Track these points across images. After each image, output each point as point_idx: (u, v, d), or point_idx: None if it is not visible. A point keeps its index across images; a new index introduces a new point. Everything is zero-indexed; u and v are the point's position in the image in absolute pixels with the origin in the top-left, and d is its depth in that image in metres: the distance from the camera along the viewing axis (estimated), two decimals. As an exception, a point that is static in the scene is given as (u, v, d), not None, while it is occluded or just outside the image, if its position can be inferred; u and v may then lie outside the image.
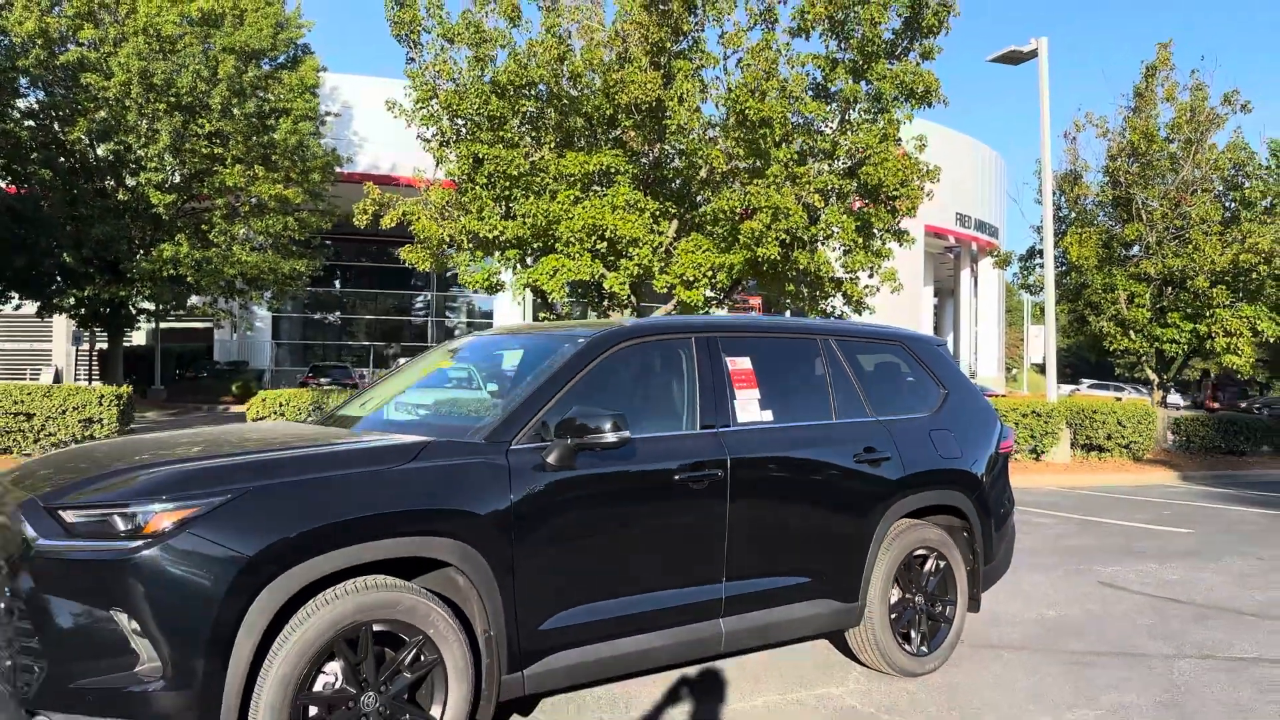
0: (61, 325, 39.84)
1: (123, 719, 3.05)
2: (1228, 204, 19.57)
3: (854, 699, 4.76)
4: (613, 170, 14.38)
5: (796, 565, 4.65)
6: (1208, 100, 19.19)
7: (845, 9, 12.49)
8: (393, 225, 16.37)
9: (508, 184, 14.52)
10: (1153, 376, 21.88)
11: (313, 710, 3.29)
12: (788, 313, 43.80)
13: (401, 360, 19.56)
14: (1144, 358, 21.00)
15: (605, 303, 15.90)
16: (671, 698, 4.66)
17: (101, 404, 13.54)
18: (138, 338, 37.40)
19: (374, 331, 45.09)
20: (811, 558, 4.69)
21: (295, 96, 27.69)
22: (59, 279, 26.80)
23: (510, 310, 38.54)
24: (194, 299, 29.49)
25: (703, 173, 14.56)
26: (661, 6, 12.78)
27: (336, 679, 3.34)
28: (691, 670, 5.02)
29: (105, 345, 32.47)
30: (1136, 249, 20.01)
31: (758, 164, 12.84)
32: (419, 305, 46.13)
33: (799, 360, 5.05)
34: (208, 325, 42.33)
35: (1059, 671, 5.28)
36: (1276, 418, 21.87)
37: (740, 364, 4.67)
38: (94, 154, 26.41)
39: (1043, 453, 17.21)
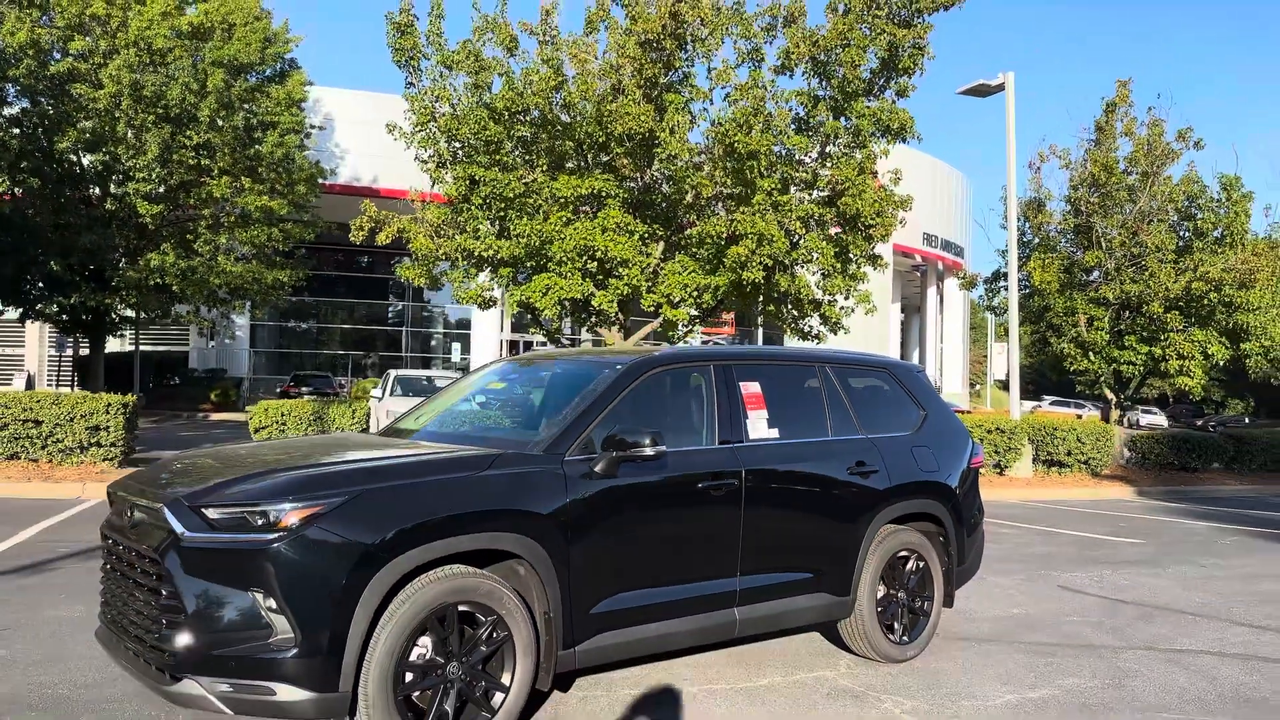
0: (34, 331, 39.86)
1: (259, 680, 3.69)
2: (1181, 234, 20.66)
3: (845, 680, 5.47)
4: (603, 194, 15.08)
5: (799, 563, 5.37)
6: (1164, 136, 20.29)
7: (828, 51, 13.33)
8: (388, 241, 16.96)
9: (503, 205, 15.17)
10: (1111, 396, 22.90)
11: (409, 676, 3.95)
12: (759, 332, 44.25)
13: (393, 371, 20.08)
14: (1102, 378, 22.00)
15: (593, 319, 16.57)
16: (688, 678, 5.35)
17: (109, 412, 13.98)
18: (115, 345, 37.48)
19: (350, 340, 45.42)
20: (811, 557, 5.41)
21: (282, 110, 28.18)
22: (44, 286, 27.06)
23: (488, 323, 39.09)
24: (178, 307, 29.77)
25: (689, 197, 15.31)
26: (655, 45, 13.54)
27: (428, 650, 4.01)
28: (707, 654, 5.72)
29: (85, 352, 32.60)
30: (1096, 275, 21.03)
31: (743, 192, 13.62)
32: (394, 315, 46.49)
33: (800, 385, 5.78)
34: (183, 333, 42.53)
35: (1022, 659, 6.04)
36: (1227, 435, 22.93)
37: (751, 388, 5.39)
38: (82, 163, 26.72)
39: (1006, 467, 18.07)
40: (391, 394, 18.95)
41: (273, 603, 3.72)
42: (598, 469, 4.53)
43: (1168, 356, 20.23)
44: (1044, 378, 58.00)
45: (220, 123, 26.41)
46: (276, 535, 3.76)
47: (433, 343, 48.41)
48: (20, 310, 28.17)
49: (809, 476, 5.43)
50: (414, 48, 15.77)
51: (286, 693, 3.69)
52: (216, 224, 27.80)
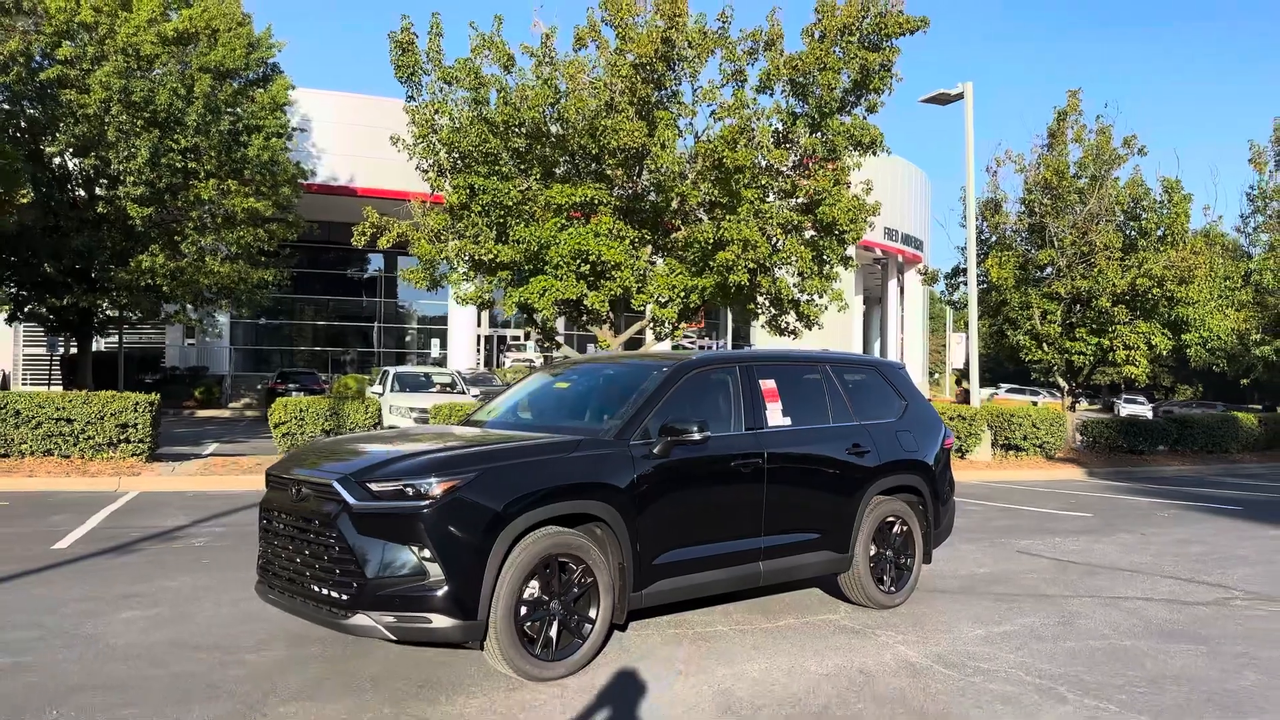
0: (7, 332, 40.09)
1: (418, 612, 4.84)
2: (1127, 233, 22.17)
3: (846, 621, 6.71)
4: (595, 201, 16.20)
5: (808, 526, 6.58)
6: (1111, 142, 21.79)
7: (805, 73, 14.55)
8: (388, 246, 17.97)
9: (502, 212, 16.24)
10: (1063, 384, 24.45)
11: (523, 610, 5.10)
12: (729, 326, 45.44)
13: (391, 369, 20.93)
14: (1055, 367, 23.51)
15: (583, 318, 17.69)
16: (721, 622, 6.55)
17: (137, 410, 14.89)
18: (96, 344, 37.91)
19: (326, 337, 46.04)
20: (819, 521, 6.63)
21: (267, 114, 28.92)
22: (36, 288, 27.62)
23: (465, 319, 39.95)
24: (166, 307, 30.46)
25: (674, 204, 16.48)
26: (648, 66, 14.68)
27: (536, 590, 5.16)
28: (732, 604, 6.93)
29: (73, 351, 33.11)
30: (1049, 271, 22.49)
31: (729, 201, 14.82)
32: (369, 312, 47.16)
33: (806, 380, 6.99)
34: (159, 331, 42.98)
35: (988, 605, 7.31)
36: (1171, 419, 24.58)
37: (769, 384, 6.60)
38: (72, 167, 27.29)
39: (967, 452, 19.47)
40: (392, 390, 19.95)
41: (427, 553, 4.86)
42: (656, 451, 5.71)
43: (1115, 347, 21.74)
44: (1001, 367, 60.02)
45: (208, 127, 27.12)
46: (427, 503, 4.90)
47: (407, 338, 49.14)
48: (9, 311, 28.68)
49: (816, 456, 6.65)
50: (415, 64, 16.76)
51: (439, 621, 4.84)
52: (203, 225, 28.49)
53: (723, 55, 15.35)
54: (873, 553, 7.00)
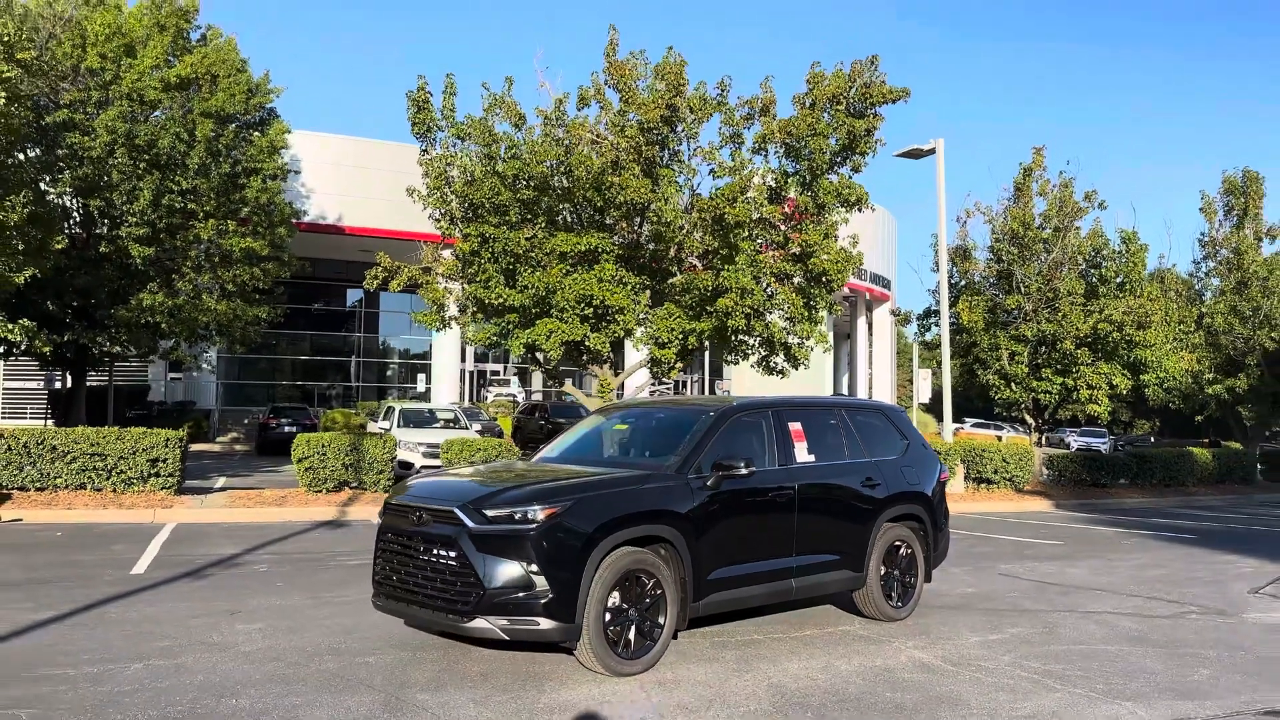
0: (-10, 366, 40.35)
1: (528, 616, 5.86)
2: (1089, 280, 23.70)
3: (862, 631, 7.80)
4: (598, 249, 17.33)
5: (831, 548, 7.68)
6: (1073, 195, 23.38)
7: (798, 138, 15.85)
8: (399, 289, 18.99)
9: (511, 260, 17.33)
10: (1030, 420, 25.86)
11: (608, 616, 6.14)
12: (707, 364, 46.47)
13: (396, 405, 21.83)
14: (1023, 405, 24.92)
15: (584, 358, 18.76)
16: (755, 632, 7.62)
17: (167, 446, 15.70)
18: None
19: (309, 372, 46.68)
20: (839, 544, 7.74)
21: (265, 157, 29.90)
22: (37, 325, 28.21)
23: (448, 355, 40.77)
24: (163, 344, 31.13)
25: (672, 252, 17.66)
26: (653, 128, 15.93)
27: (618, 599, 6.21)
28: (761, 618, 8.00)
29: (64, 386, 33.59)
30: (1016, 315, 23.93)
31: (728, 252, 16.05)
32: (353, 347, 47.89)
33: (826, 422, 8.12)
34: (142, 366, 43.45)
35: (981, 618, 8.44)
36: (1131, 454, 26.04)
37: (796, 425, 7.72)
38: (70, 206, 28.02)
39: (944, 485, 20.68)
40: (399, 425, 20.86)
41: (534, 568, 5.90)
42: (709, 483, 6.80)
43: (1079, 386, 23.19)
44: (969, 403, 61.70)
45: (208, 169, 28.01)
46: (533, 526, 5.95)
47: (388, 373, 49.90)
48: (4, 347, 29.20)
49: (837, 488, 7.78)
50: (430, 121, 17.88)
51: (545, 624, 5.87)
52: (200, 264, 29.28)
53: (722, 120, 16.64)
54: (883, 572, 8.10)
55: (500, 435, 25.26)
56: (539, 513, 5.99)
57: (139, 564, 10.35)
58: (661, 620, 6.42)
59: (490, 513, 6.03)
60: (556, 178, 17.37)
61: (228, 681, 5.89)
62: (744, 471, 6.83)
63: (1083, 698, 6.06)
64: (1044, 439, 26.73)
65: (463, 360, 41.45)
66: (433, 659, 6.52)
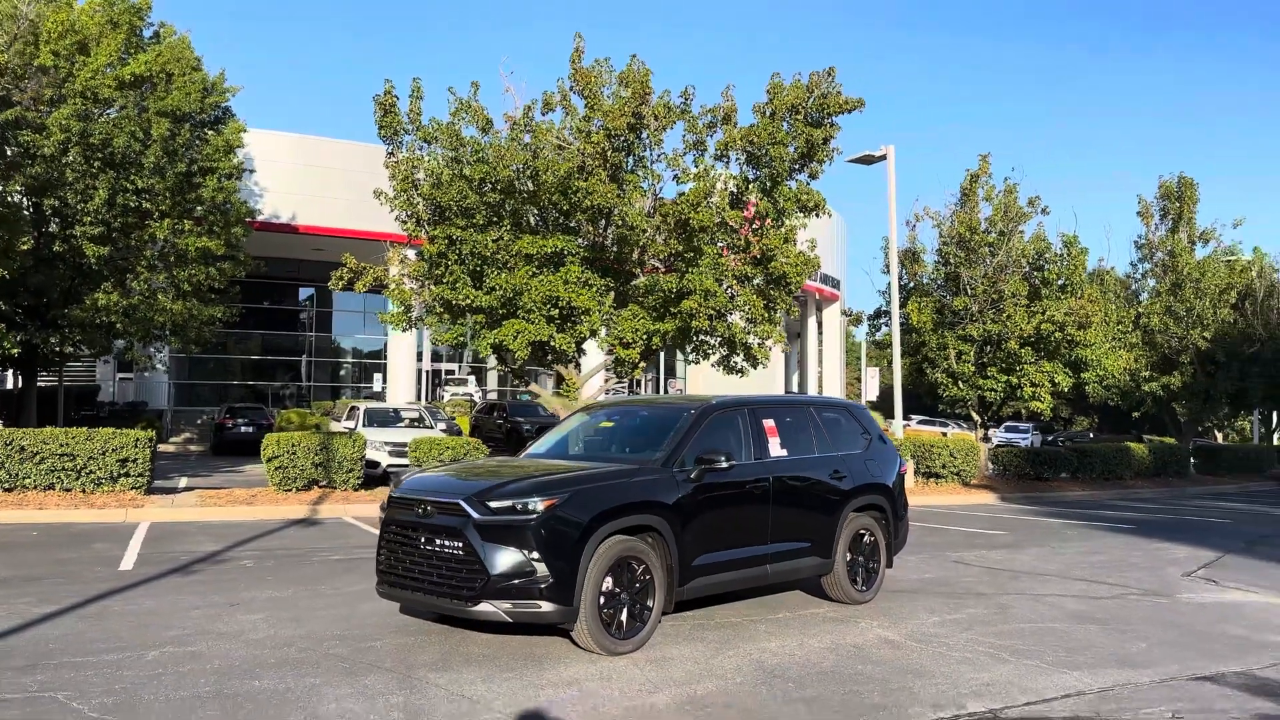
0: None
1: (530, 599, 6.30)
2: (1032, 283, 24.62)
3: (831, 613, 8.35)
4: (564, 251, 17.74)
5: (802, 536, 8.22)
6: (1017, 201, 24.30)
7: (759, 146, 16.43)
8: (364, 290, 19.23)
9: (479, 261, 17.67)
10: (976, 417, 26.78)
11: (602, 600, 6.59)
12: (662, 361, 47.08)
13: (360, 405, 21.95)
14: (969, 402, 25.78)
15: (549, 357, 19.16)
16: (733, 615, 8.13)
17: (137, 446, 15.81)
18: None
19: (263, 372, 46.39)
20: (810, 532, 8.28)
21: (221, 156, 29.80)
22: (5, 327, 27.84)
23: (404, 354, 40.81)
24: (117, 344, 30.87)
25: (636, 254, 18.14)
26: (619, 135, 16.40)
27: (610, 584, 6.67)
28: (738, 603, 8.52)
29: (19, 386, 33.13)
30: (963, 316, 24.76)
31: (692, 256, 16.58)
32: (306, 346, 47.65)
33: (796, 419, 8.65)
34: (89, 367, 42.91)
35: (939, 600, 9.05)
36: (1072, 449, 27.08)
37: (770, 422, 8.25)
38: (27, 207, 27.69)
39: (896, 480, 21.42)
40: (364, 425, 21.06)
41: (535, 555, 6.34)
42: (693, 476, 7.28)
43: (1023, 384, 24.10)
44: (917, 400, 63.04)
45: (165, 169, 27.87)
46: (534, 517, 6.39)
47: (341, 372, 49.73)
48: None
49: (808, 480, 8.32)
50: (396, 124, 18.15)
51: (546, 606, 6.32)
52: (154, 264, 29.10)
53: (685, 127, 17.15)
54: (849, 558, 8.66)
55: (459, 434, 25.49)
56: (539, 504, 6.44)
57: (124, 561, 10.57)
58: (650, 603, 6.90)
59: (494, 504, 6.46)
60: (522, 181, 17.74)
61: (244, 665, 6.25)
62: (724, 465, 7.33)
63: (1035, 668, 6.66)
64: (989, 434, 27.71)
65: (419, 360, 41.51)
66: (435, 643, 6.93)
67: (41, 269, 26.91)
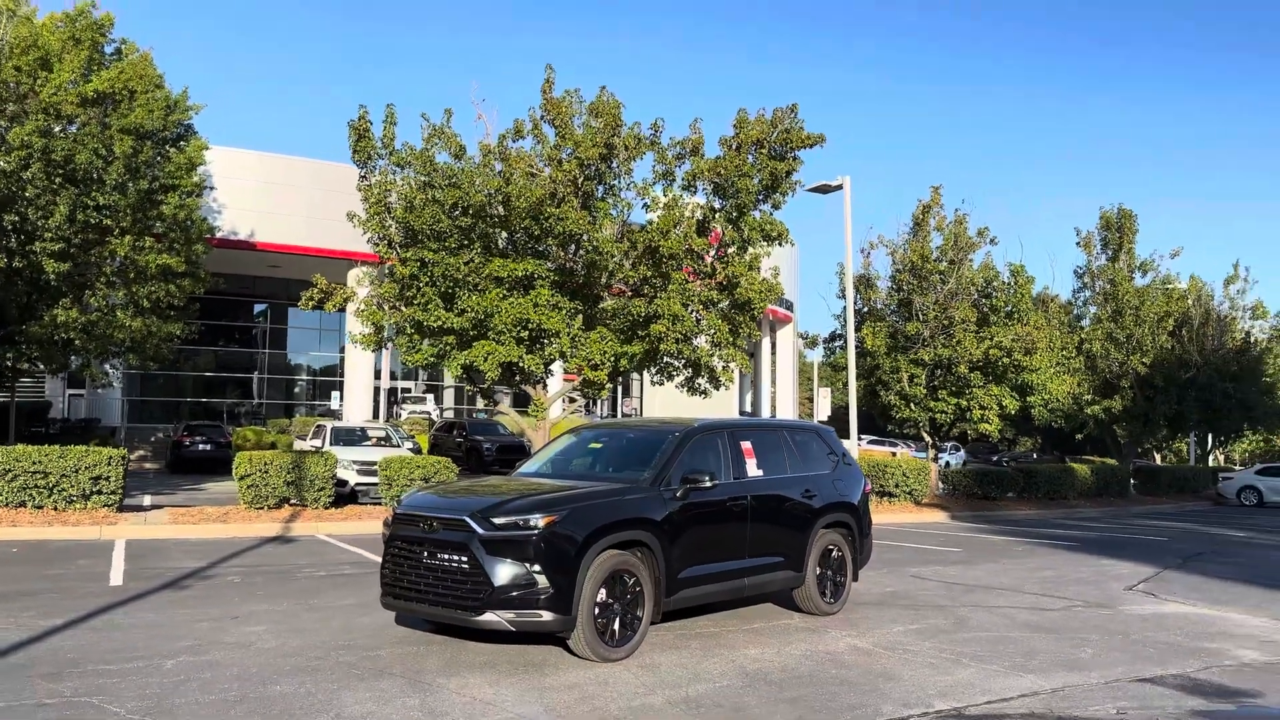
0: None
1: (532, 609, 6.77)
2: (981, 309, 25.60)
3: (801, 624, 8.91)
4: (534, 275, 18.21)
5: (776, 551, 8.77)
6: (967, 231, 25.30)
7: (726, 179, 17.11)
8: (334, 310, 19.51)
9: (450, 284, 18.07)
10: (927, 438, 27.67)
11: (596, 610, 7.07)
12: (631, 387, 47.56)
13: (328, 424, 22.05)
14: (921, 424, 26.64)
15: (517, 378, 19.59)
16: (712, 626, 8.65)
17: (110, 464, 15.94)
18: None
19: (218, 389, 46.06)
20: (783, 548, 8.84)
21: (183, 174, 29.83)
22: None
23: (363, 372, 40.85)
24: (74, 359, 30.64)
25: (604, 278, 18.68)
26: (591, 164, 16.98)
27: (604, 595, 7.15)
28: (715, 614, 9.04)
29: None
30: (916, 340, 25.64)
31: (659, 281, 17.18)
32: (261, 363, 47.40)
33: (770, 441, 9.23)
34: (39, 383, 42.29)
35: (902, 612, 9.65)
36: (1018, 470, 28.09)
37: (747, 444, 8.81)
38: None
39: (852, 499, 22.12)
40: (331, 443, 21.28)
41: (536, 568, 6.81)
42: (678, 494, 7.81)
43: (972, 407, 25.02)
44: (870, 421, 64.23)
45: (127, 186, 27.84)
46: (535, 532, 6.87)
47: (296, 390, 49.50)
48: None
49: (782, 498, 8.89)
50: (370, 149, 18.53)
51: (547, 616, 6.79)
52: (113, 280, 29.00)
53: (655, 158, 17.78)
54: (818, 572, 9.24)
55: (419, 452, 25.72)
56: (540, 520, 6.92)
57: (113, 576, 10.81)
58: (640, 613, 7.40)
59: (498, 520, 6.93)
60: (493, 205, 18.19)
61: (262, 672, 6.62)
62: (708, 484, 7.87)
63: (994, 671, 7.27)
64: (938, 455, 28.62)
65: (377, 378, 41.54)
66: (437, 651, 7.35)
67: (1, 285, 26.76)
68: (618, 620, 7.22)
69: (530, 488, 7.69)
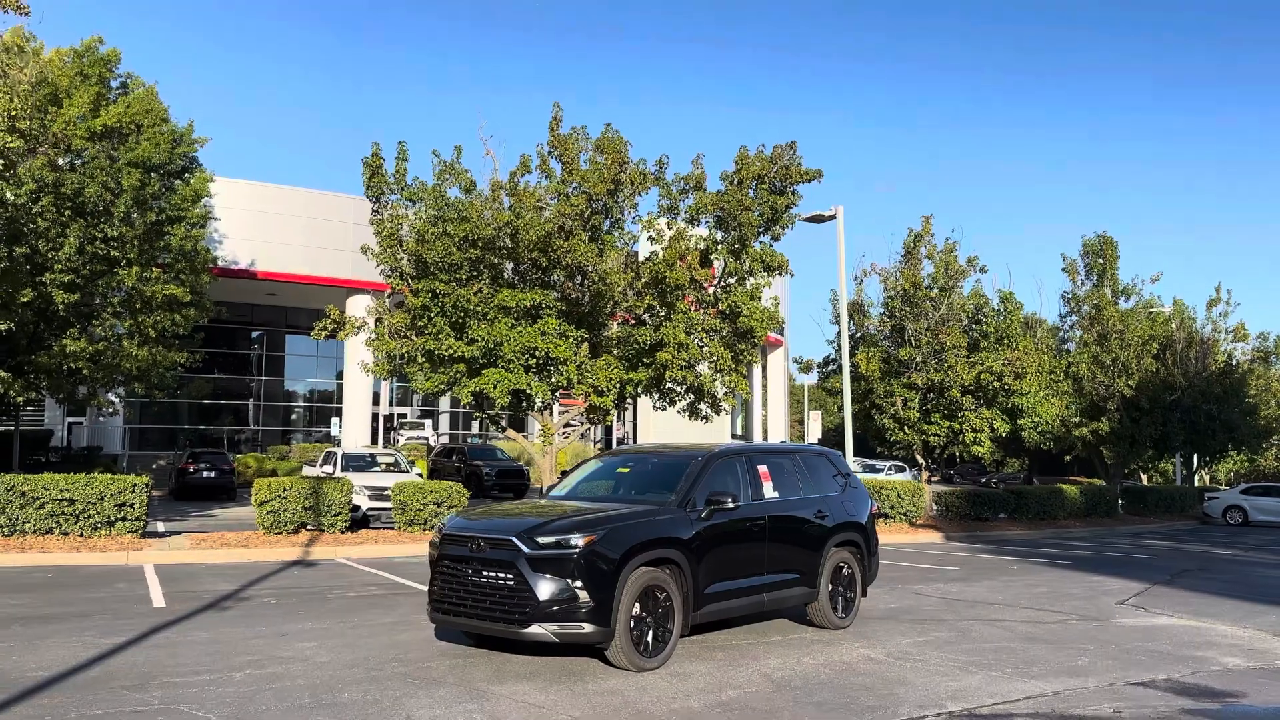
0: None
1: (574, 622, 7.34)
2: (972, 335, 26.37)
3: (815, 637, 9.50)
4: (541, 304, 18.87)
5: (792, 569, 9.37)
6: (957, 260, 26.13)
7: (730, 213, 17.86)
8: (345, 339, 20.09)
9: (461, 314, 18.70)
10: (921, 460, 28.35)
11: (632, 623, 7.65)
12: (627, 412, 47.65)
13: (338, 450, 22.48)
14: (914, 446, 27.33)
15: (524, 404, 20.19)
16: (732, 639, 9.23)
17: (134, 491, 16.44)
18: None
19: (217, 416, 46.42)
20: (799, 565, 9.44)
21: (189, 205, 30.42)
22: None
23: (361, 398, 41.32)
24: (80, 389, 31.04)
25: (609, 307, 19.34)
26: (599, 199, 17.72)
27: (639, 609, 7.73)
28: (732, 629, 9.62)
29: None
30: (909, 365, 26.37)
31: (665, 311, 17.88)
32: (260, 390, 47.81)
33: (785, 465, 9.85)
34: (38, 411, 42.60)
35: (908, 625, 10.25)
36: (1009, 491, 28.78)
37: (763, 467, 9.43)
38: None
39: (849, 521, 22.72)
40: (342, 469, 21.79)
41: (578, 584, 7.39)
42: (703, 515, 8.41)
43: (964, 430, 25.74)
44: (864, 444, 64.92)
45: (134, 218, 28.41)
46: (576, 551, 7.46)
47: (293, 416, 49.90)
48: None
49: (797, 518, 9.50)
50: (383, 185, 19.21)
51: (589, 628, 7.37)
52: (119, 310, 29.49)
53: (660, 193, 18.53)
54: (830, 588, 9.83)
55: (423, 478, 26.21)
56: (580, 540, 7.50)
57: (155, 599, 11.30)
58: (671, 626, 7.97)
59: (541, 539, 7.52)
60: (502, 238, 18.88)
61: (327, 683, 7.17)
62: (731, 505, 8.48)
63: (999, 677, 7.87)
64: (926, 477, 29.28)
65: (375, 404, 42.01)
66: (482, 663, 7.91)
67: (8, 316, 27.22)
68: (651, 632, 7.79)
69: (568, 510, 8.27)
